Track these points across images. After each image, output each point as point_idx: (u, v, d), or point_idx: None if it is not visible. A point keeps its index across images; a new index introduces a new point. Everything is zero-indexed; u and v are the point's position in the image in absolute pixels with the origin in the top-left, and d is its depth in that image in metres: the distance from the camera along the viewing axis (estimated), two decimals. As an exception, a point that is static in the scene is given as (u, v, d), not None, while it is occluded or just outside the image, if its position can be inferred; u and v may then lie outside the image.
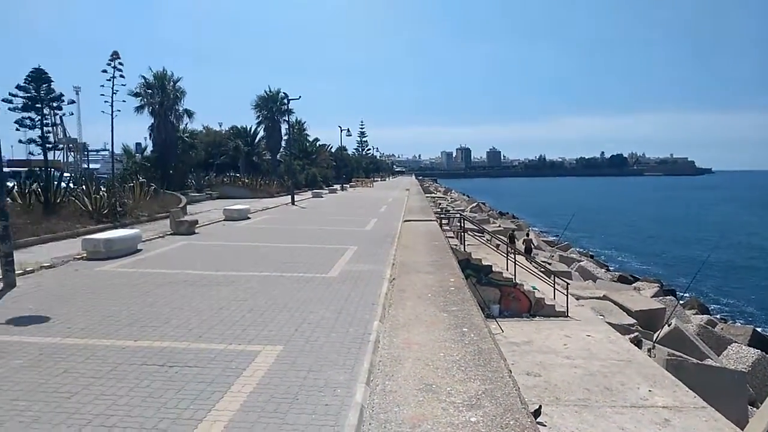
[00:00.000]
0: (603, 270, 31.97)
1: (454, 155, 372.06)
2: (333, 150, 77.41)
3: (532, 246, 31.09)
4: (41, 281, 9.77)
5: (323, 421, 4.41)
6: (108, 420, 4.37)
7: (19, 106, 19.07)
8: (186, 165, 39.55)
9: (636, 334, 16.12)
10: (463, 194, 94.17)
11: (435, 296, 7.93)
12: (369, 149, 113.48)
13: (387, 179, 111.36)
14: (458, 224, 23.79)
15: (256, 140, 54.03)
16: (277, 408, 4.62)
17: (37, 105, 19.26)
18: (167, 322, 7.13)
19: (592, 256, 39.24)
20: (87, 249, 12.03)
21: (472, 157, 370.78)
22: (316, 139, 72.20)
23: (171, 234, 16.36)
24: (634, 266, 39.08)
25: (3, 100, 11.30)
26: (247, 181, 42.69)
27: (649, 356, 13.77)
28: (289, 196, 33.72)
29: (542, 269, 21.71)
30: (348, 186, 61.48)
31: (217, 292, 8.93)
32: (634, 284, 27.90)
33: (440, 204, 47.29)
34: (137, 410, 4.55)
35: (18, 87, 18.97)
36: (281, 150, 55.37)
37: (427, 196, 50.46)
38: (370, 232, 17.79)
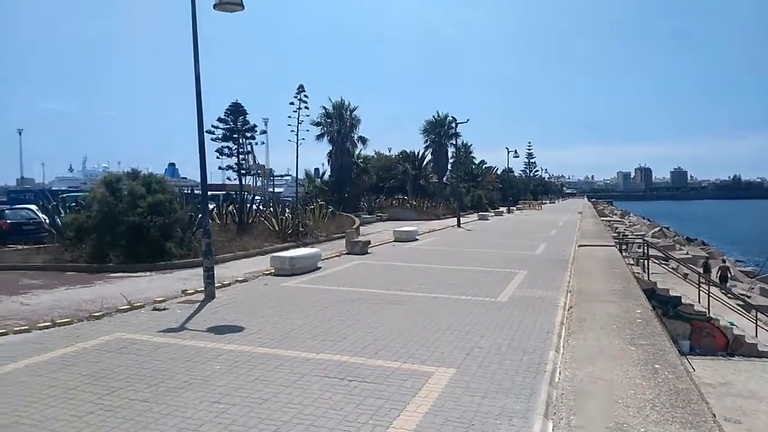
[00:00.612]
0: (818, 307, 27.45)
1: (632, 176, 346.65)
2: (499, 172, 76.44)
3: (729, 274, 27.74)
4: (236, 294, 10.78)
5: (501, 451, 4.24)
6: (295, 428, 4.61)
7: (219, 136, 21.43)
8: (359, 188, 41.56)
9: None
10: (643, 218, 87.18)
11: (620, 328, 7.33)
12: (537, 171, 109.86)
13: (556, 201, 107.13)
14: (639, 250, 22.03)
15: (424, 164, 55.21)
16: (453, 432, 4.55)
17: (235, 135, 21.51)
18: (345, 338, 7.43)
19: (802, 290, 33.89)
20: (274, 265, 13.08)
21: (653, 178, 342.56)
22: (482, 162, 71.92)
23: (346, 253, 17.19)
24: None
25: (207, 131, 13.01)
26: (414, 203, 43.69)
27: None
28: (455, 219, 33.84)
29: (741, 303, 19.22)
30: (514, 208, 60.15)
31: (390, 311, 9.14)
32: None
33: (617, 228, 44.29)
34: (321, 420, 4.75)
35: (219, 119, 21.38)
36: (447, 173, 55.93)
37: (602, 220, 47.52)
38: (540, 257, 17.15)
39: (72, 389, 5.52)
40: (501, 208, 55.97)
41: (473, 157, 68.54)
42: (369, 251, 17.84)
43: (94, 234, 14.74)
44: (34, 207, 23.53)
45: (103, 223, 14.63)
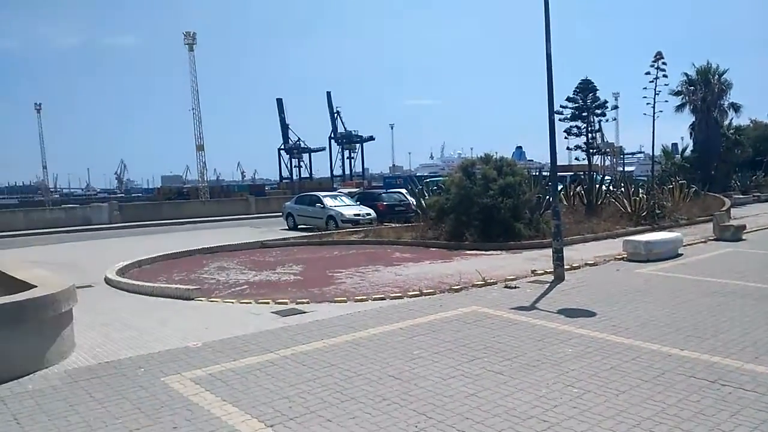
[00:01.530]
0: None
1: None
2: None
3: None
4: (585, 277, 10.47)
5: None
6: (657, 426, 4.21)
7: (568, 116, 21.10)
8: (729, 164, 35.94)
9: None
10: None
11: None
12: None
13: None
14: None
15: (823, 131, 44.47)
16: None
17: (584, 114, 20.90)
18: (715, 336, 6.50)
19: None
20: (627, 250, 12.26)
21: None
22: None
23: (714, 239, 15.08)
24: None
25: (555, 112, 12.79)
26: (812, 180, 35.67)
27: None
28: None
29: None
30: None
31: (776, 310, 7.64)
32: None
33: None
34: (687, 425, 4.23)
35: (568, 99, 21.07)
36: None
37: None
38: None
39: (436, 353, 6.12)
40: None
41: None
42: (743, 237, 15.28)
43: (452, 214, 16.16)
44: (404, 191, 27.18)
45: (459, 204, 15.90)
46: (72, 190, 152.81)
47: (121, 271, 12.38)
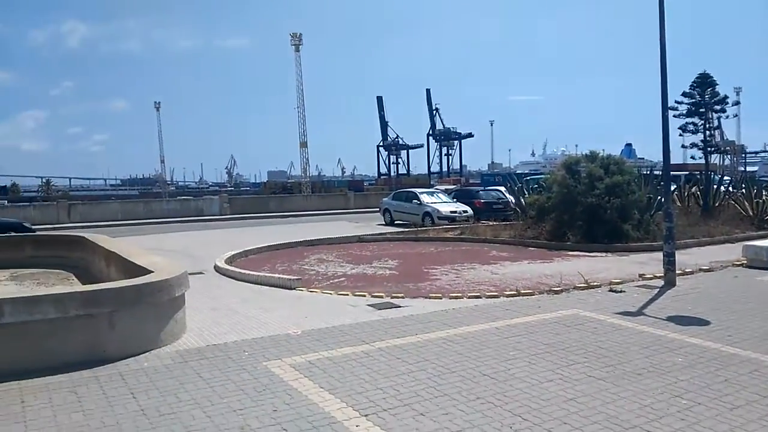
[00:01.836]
0: None
1: None
2: None
3: None
4: (698, 283, 9.78)
5: None
6: (778, 449, 3.86)
7: (684, 112, 19.77)
8: None
9: None
10: None
11: None
12: None
13: None
14: None
15: None
16: None
17: (701, 110, 19.50)
18: None
19: None
20: (747, 256, 11.32)
21: None
22: None
23: None
24: None
25: (669, 108, 11.86)
26: None
27: None
28: None
29: None
30: None
31: None
32: None
33: None
34: (815, 450, 3.85)
35: (683, 94, 19.74)
36: None
37: None
38: None
39: (533, 355, 5.96)
40: None
41: None
42: None
43: (553, 214, 15.66)
44: (502, 188, 26.64)
45: (561, 203, 15.37)
46: (186, 183, 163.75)
47: (230, 260, 13.08)
